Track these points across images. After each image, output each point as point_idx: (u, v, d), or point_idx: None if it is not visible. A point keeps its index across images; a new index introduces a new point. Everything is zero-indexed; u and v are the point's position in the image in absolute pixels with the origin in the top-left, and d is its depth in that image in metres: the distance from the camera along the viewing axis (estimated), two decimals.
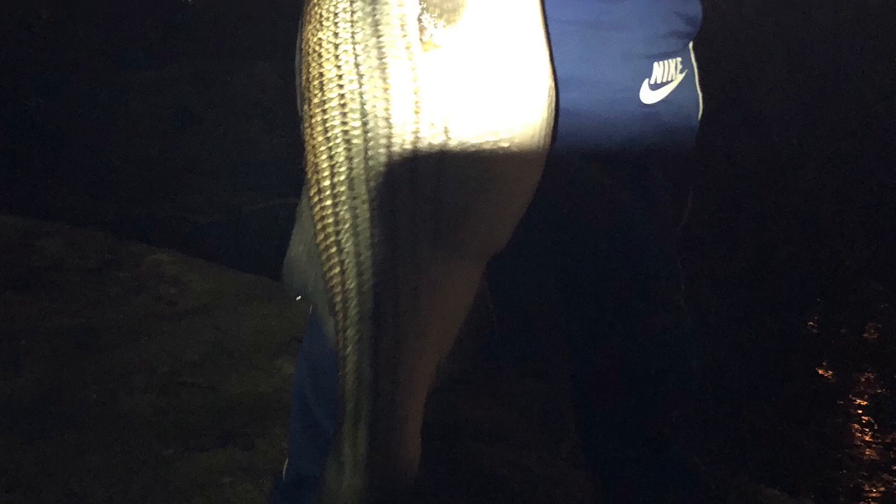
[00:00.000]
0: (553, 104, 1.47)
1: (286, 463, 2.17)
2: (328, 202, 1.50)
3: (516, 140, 1.43)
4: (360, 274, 1.52)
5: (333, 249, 1.53)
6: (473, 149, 1.42)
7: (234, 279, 4.73)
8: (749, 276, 6.70)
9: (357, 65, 1.43)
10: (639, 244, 1.91)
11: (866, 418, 5.13)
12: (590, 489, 2.28)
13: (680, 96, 1.88)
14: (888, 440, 4.89)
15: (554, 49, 1.50)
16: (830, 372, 5.88)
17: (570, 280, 1.96)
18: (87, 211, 6.76)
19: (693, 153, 1.96)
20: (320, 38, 1.46)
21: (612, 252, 1.88)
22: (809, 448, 4.85)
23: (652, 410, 2.00)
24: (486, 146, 1.42)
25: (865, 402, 5.34)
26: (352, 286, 1.54)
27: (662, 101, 1.83)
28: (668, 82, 1.84)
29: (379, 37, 1.42)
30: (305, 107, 1.50)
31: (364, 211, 1.48)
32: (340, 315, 1.57)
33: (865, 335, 6.46)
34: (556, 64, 1.50)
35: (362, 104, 1.44)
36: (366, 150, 1.45)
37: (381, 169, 1.45)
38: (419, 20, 1.40)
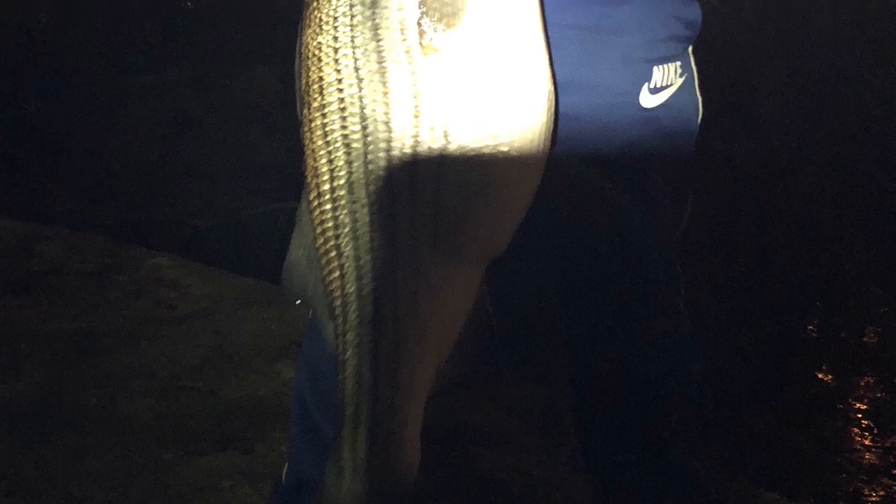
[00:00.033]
0: (553, 108, 1.47)
1: (286, 467, 2.17)
2: (328, 206, 1.50)
3: (516, 144, 1.43)
4: (359, 278, 1.52)
5: (333, 253, 1.53)
6: (473, 153, 1.42)
7: (233, 283, 4.73)
8: (749, 280, 6.70)
9: (357, 69, 1.43)
10: (638, 248, 1.90)
11: (866, 422, 5.13)
12: (589, 493, 2.27)
13: (680, 100, 1.88)
14: (888, 444, 4.88)
15: (553, 53, 1.50)
16: (830, 376, 5.88)
17: (570, 284, 1.96)
18: (87, 215, 6.76)
19: (693, 157, 1.96)
20: (320, 42, 1.46)
21: (612, 256, 1.88)
22: (809, 452, 4.84)
23: (651, 414, 2.00)
24: (486, 150, 1.42)
25: (865, 406, 5.34)
26: (351, 290, 1.54)
27: (662, 104, 1.83)
28: (667, 86, 1.84)
29: (378, 41, 1.42)
30: (305, 111, 1.50)
31: (364, 215, 1.48)
32: (340, 319, 1.57)
33: (865, 339, 6.46)
34: (555, 68, 1.49)
35: (362, 108, 1.44)
36: (365, 153, 1.45)
37: (381, 173, 1.45)
38: (419, 24, 1.40)
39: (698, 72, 1.96)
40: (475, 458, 3.32)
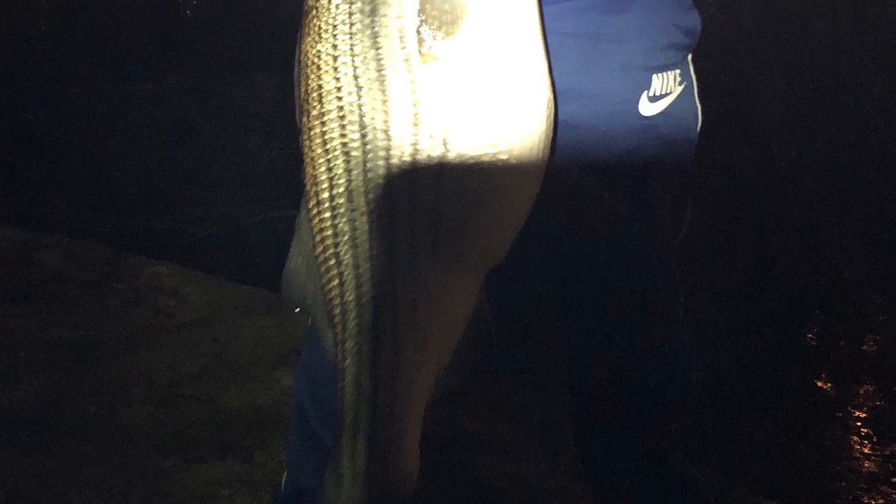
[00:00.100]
0: (552, 116, 1.47)
1: (285, 475, 2.17)
2: (327, 214, 1.50)
3: (515, 152, 1.43)
4: (358, 286, 1.52)
5: (332, 261, 1.53)
6: (472, 161, 1.42)
7: (232, 291, 4.73)
8: (748, 289, 6.70)
9: (356, 77, 1.43)
10: (638, 256, 1.90)
11: (865, 430, 5.13)
12: (589, 501, 2.27)
13: (679, 108, 1.88)
14: (887, 452, 4.88)
15: (553, 61, 1.50)
16: (829, 384, 5.88)
17: (569, 292, 1.96)
18: (86, 223, 6.76)
19: (692, 165, 1.96)
20: (319, 50, 1.46)
21: (611, 264, 1.88)
22: (808, 460, 4.84)
23: (651, 423, 2.00)
24: (485, 158, 1.42)
25: (864, 415, 5.34)
26: (350, 298, 1.53)
27: (661, 113, 1.83)
28: (666, 94, 1.84)
29: (378, 49, 1.42)
30: (304, 119, 1.50)
31: (363, 223, 1.48)
32: (339, 327, 1.57)
33: (864, 347, 6.47)
34: (554, 76, 1.49)
35: (361, 116, 1.44)
36: (364, 162, 1.45)
37: (380, 181, 1.45)
38: (418, 32, 1.40)
39: (698, 80, 1.96)
40: (474, 466, 3.31)
